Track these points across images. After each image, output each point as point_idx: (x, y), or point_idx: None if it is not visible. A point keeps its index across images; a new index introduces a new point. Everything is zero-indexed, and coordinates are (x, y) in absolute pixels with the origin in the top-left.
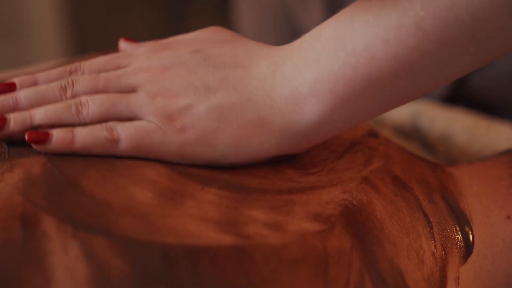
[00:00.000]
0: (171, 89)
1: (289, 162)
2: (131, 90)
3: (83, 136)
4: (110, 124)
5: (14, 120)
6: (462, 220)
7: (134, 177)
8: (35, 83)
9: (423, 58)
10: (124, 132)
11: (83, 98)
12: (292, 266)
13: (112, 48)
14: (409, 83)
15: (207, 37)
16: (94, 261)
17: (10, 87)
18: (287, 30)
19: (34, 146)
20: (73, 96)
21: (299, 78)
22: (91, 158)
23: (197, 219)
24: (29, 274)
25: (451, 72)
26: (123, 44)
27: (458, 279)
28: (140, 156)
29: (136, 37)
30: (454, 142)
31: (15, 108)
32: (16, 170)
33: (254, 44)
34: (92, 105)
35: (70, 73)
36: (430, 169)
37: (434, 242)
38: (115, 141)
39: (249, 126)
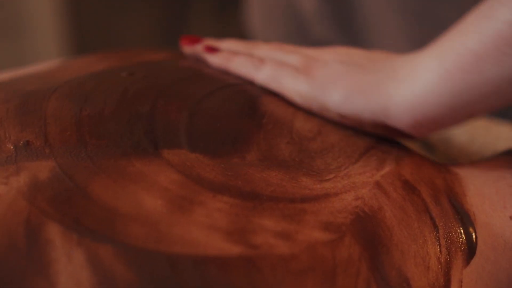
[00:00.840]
0: (323, 55)
1: (305, 169)
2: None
3: (239, 58)
4: (266, 60)
5: (205, 43)
6: (467, 222)
7: (145, 184)
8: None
9: None
10: (269, 64)
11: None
12: (299, 276)
13: (112, 49)
14: None
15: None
16: (99, 269)
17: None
18: (295, 21)
19: (205, 54)
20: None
21: (421, 57)
22: (103, 163)
23: (206, 228)
24: (34, 281)
25: None
26: None
27: (461, 281)
28: (271, 88)
29: (136, 37)
30: (454, 142)
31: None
32: (22, 174)
33: None
34: (264, 48)
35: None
36: (436, 170)
37: (440, 246)
38: (259, 68)
39: (365, 83)
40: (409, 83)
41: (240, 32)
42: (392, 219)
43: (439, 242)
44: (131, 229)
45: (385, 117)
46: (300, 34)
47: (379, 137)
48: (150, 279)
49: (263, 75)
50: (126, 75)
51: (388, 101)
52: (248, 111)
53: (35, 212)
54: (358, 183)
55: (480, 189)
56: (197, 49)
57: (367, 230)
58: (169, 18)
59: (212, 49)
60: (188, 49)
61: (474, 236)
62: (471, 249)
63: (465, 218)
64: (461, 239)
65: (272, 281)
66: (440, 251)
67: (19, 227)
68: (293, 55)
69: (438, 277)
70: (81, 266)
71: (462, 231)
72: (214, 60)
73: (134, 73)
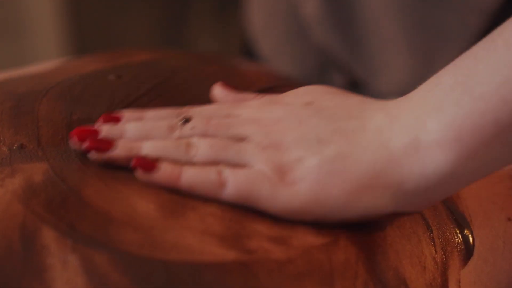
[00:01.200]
0: (283, 141)
1: None
2: (240, 139)
3: (190, 174)
4: (220, 167)
5: (121, 146)
6: (462, 223)
7: (137, 187)
8: (141, 119)
9: None
10: (233, 178)
11: (194, 139)
12: (297, 280)
13: (112, 49)
14: None
15: (317, 89)
16: (95, 276)
17: (115, 120)
18: (295, 22)
19: (138, 173)
20: (181, 137)
21: (419, 127)
22: (94, 166)
23: (200, 233)
24: (30, 285)
25: None
26: (218, 90)
27: (459, 282)
28: (246, 205)
29: (136, 37)
30: None
31: (121, 138)
32: (17, 176)
33: (365, 98)
34: (203, 146)
35: (179, 115)
36: None
37: (435, 246)
38: (222, 185)
39: (363, 179)
40: (419, 168)
41: (240, 32)
42: (383, 219)
43: (433, 242)
44: (125, 235)
45: (396, 207)
46: (301, 35)
47: None
48: (145, 285)
49: (230, 194)
50: (114, 78)
51: (398, 192)
52: None
53: (31, 216)
54: None
55: (476, 191)
56: (115, 159)
57: (360, 232)
58: (169, 18)
59: (148, 164)
60: (95, 156)
61: (470, 237)
62: (468, 249)
63: (460, 219)
64: (457, 239)
65: (269, 287)
66: (436, 251)
67: (15, 232)
68: (251, 156)
69: (435, 277)
70: (76, 273)
71: (457, 231)
72: (155, 179)
73: (121, 76)
